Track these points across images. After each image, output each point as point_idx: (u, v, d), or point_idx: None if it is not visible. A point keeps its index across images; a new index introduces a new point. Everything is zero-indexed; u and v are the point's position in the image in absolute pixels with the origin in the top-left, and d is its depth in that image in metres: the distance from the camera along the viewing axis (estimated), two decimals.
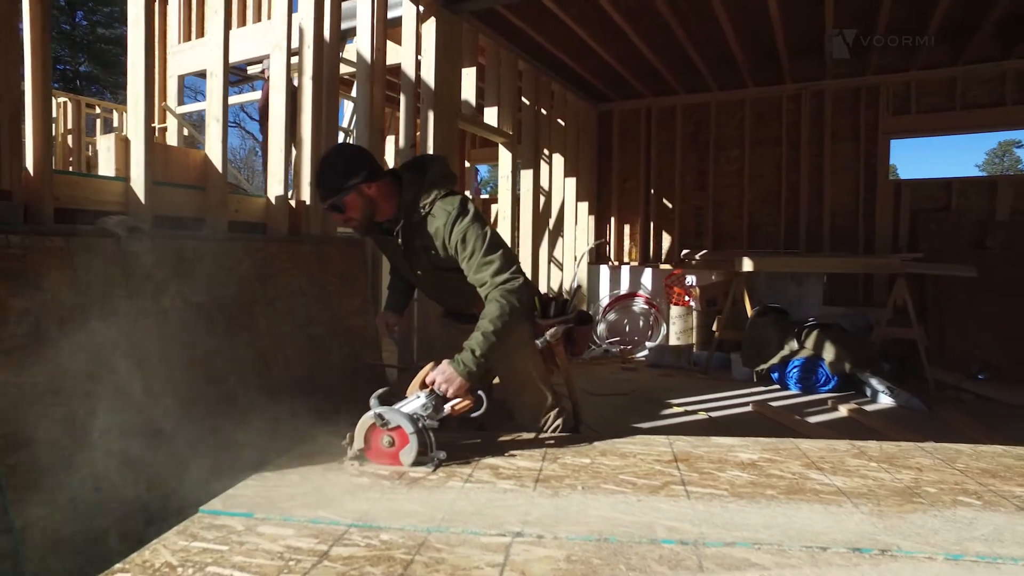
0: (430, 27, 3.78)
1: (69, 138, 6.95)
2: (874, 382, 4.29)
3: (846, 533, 1.19)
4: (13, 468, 1.42)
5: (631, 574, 1.04)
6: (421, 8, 3.72)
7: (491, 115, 5.01)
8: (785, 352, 4.64)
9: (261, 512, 1.27)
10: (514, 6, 4.32)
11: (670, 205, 6.88)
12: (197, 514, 1.27)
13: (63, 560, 1.46)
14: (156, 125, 5.33)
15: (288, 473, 1.52)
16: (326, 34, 3.04)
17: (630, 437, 1.86)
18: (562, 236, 6.56)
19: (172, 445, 1.81)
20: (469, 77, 4.64)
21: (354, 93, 4.41)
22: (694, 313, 5.89)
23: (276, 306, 2.45)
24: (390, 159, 5.89)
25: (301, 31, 2.99)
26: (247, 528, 1.20)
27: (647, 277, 6.57)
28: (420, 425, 1.60)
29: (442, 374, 1.69)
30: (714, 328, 5.34)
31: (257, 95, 6.27)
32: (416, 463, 1.57)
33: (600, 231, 7.14)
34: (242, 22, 5.23)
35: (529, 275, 2.50)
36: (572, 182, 6.49)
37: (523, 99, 5.55)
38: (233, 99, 5.63)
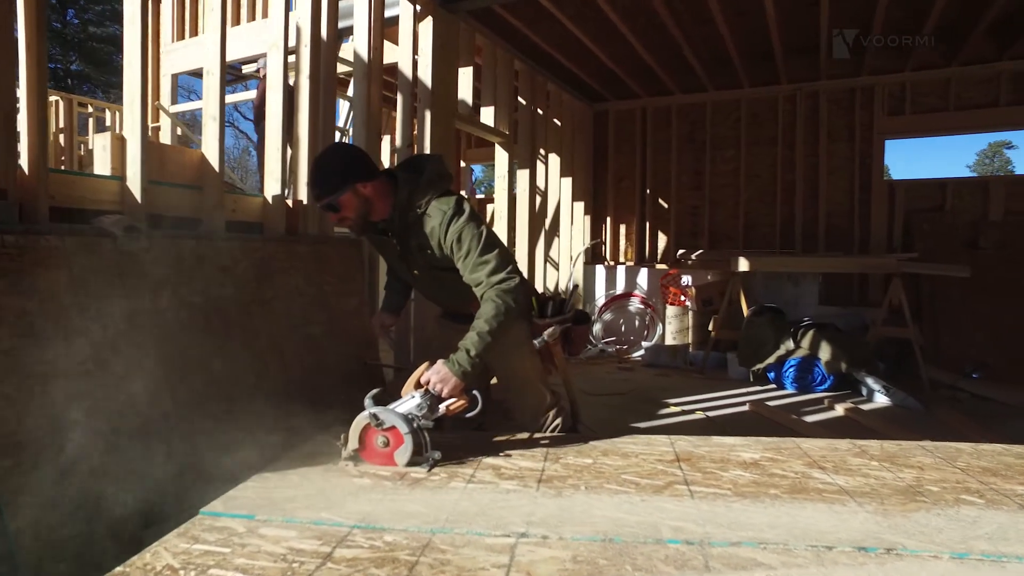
0: (427, 26, 3.77)
1: (61, 137, 6.89)
2: (870, 381, 4.30)
3: (851, 532, 1.19)
4: (8, 470, 1.40)
5: (637, 574, 1.03)
6: (418, 7, 3.71)
7: (488, 115, 5.00)
8: (781, 352, 4.65)
9: (262, 514, 1.25)
10: (511, 5, 4.32)
11: (666, 205, 6.89)
12: (198, 516, 1.26)
13: (60, 563, 1.44)
14: (149, 124, 5.29)
15: (288, 474, 1.50)
16: (323, 33, 3.03)
17: (631, 437, 1.86)
18: (558, 236, 6.56)
19: (169, 446, 1.79)
20: (466, 77, 4.63)
21: (350, 92, 4.40)
22: (690, 313, 5.90)
23: (273, 306, 2.43)
24: (386, 159, 5.88)
25: (298, 30, 2.98)
26: (249, 530, 1.19)
27: (643, 277, 6.57)
28: (415, 425, 1.59)
29: (437, 374, 1.68)
30: (711, 328, 5.35)
31: (251, 94, 6.25)
32: (411, 463, 1.56)
33: (596, 231, 7.14)
34: (236, 21, 5.21)
35: (525, 275, 2.49)
36: (568, 182, 6.49)
37: (519, 99, 5.54)
38: (227, 98, 5.61)
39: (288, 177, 2.98)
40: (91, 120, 7.53)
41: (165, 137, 5.48)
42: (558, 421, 2.12)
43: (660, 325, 6.31)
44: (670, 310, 6.07)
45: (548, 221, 6.34)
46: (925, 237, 5.61)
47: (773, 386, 4.67)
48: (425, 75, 3.76)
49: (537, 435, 1.95)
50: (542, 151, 6.09)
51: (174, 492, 1.70)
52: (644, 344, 6.17)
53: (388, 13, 3.62)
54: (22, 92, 1.85)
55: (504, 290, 1.78)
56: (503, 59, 5.03)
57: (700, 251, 6.28)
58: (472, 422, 1.88)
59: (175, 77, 5.78)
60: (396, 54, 3.84)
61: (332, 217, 1.97)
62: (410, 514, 1.26)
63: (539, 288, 5.98)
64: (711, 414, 3.88)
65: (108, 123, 7.50)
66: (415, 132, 3.84)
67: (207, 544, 1.13)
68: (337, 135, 3.87)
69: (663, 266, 6.64)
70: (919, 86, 5.78)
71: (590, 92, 6.58)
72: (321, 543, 1.13)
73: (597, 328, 6.50)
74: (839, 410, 3.95)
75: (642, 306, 6.51)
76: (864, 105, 5.97)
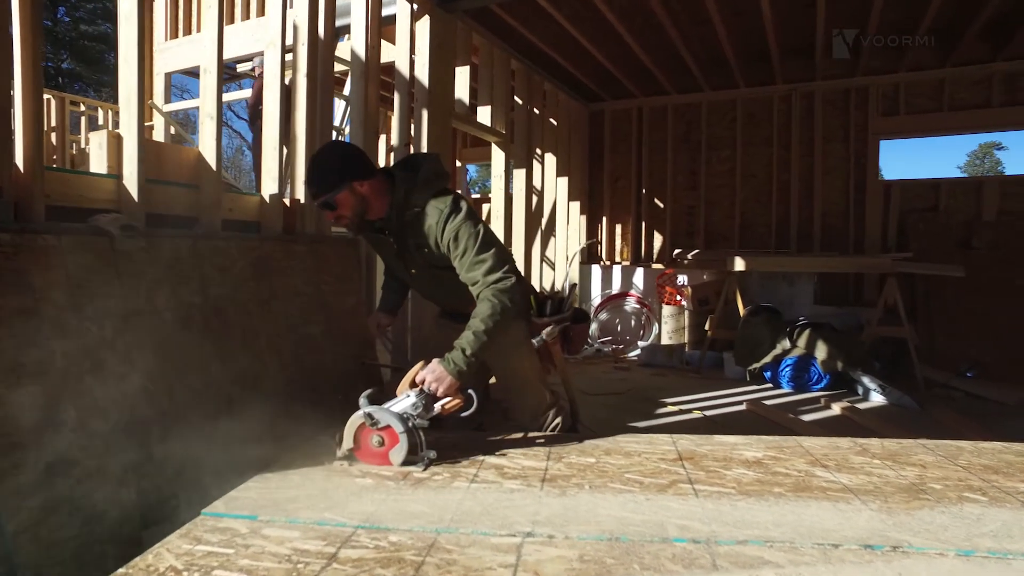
0: (424, 25, 3.76)
1: (53, 136, 6.83)
2: (866, 380, 4.32)
3: (856, 530, 1.19)
4: (4, 471, 1.38)
5: (645, 573, 1.03)
6: (415, 6, 3.70)
7: (484, 114, 4.99)
8: (777, 351, 4.67)
9: (265, 514, 1.24)
10: (508, 4, 4.31)
11: (662, 205, 6.90)
12: (199, 517, 1.24)
13: (59, 565, 1.42)
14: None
15: (290, 474, 1.49)
16: (321, 31, 3.01)
17: (633, 436, 1.86)
18: (554, 235, 6.56)
19: (168, 446, 1.77)
20: (463, 76, 4.62)
21: (347, 91, 4.38)
22: (686, 312, 5.91)
23: (271, 306, 2.42)
24: (383, 158, 5.86)
25: (296, 28, 2.96)
26: (251, 531, 1.18)
27: (639, 276, 6.58)
28: (410, 424, 1.57)
29: (432, 373, 1.67)
30: (707, 327, 5.36)
31: (245, 93, 6.22)
32: (406, 463, 1.55)
33: (592, 231, 7.14)
34: (230, 20, 5.18)
35: (522, 274, 2.49)
36: (564, 182, 6.49)
37: (516, 98, 5.54)
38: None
39: (285, 176, 2.96)
40: (83, 119, 7.47)
41: (158, 136, 5.45)
42: (558, 420, 2.11)
43: (656, 325, 6.32)
44: (666, 310, 6.08)
45: (544, 221, 6.34)
46: (920, 237, 5.64)
47: (769, 385, 4.68)
48: (422, 74, 3.75)
49: (537, 434, 1.94)
50: (538, 150, 6.09)
51: (172, 493, 1.69)
52: (640, 344, 6.18)
53: (385, 12, 3.61)
54: (17, 90, 1.83)
55: (500, 289, 1.77)
56: (500, 58, 5.03)
57: (696, 251, 6.29)
58: (472, 421, 1.87)
59: (168, 76, 5.75)
60: (393, 53, 3.83)
61: (329, 216, 1.96)
62: (414, 514, 1.25)
63: (535, 287, 5.97)
64: (709, 413, 3.89)
65: (101, 122, 7.45)
66: (412, 131, 3.83)
67: (210, 545, 1.11)
68: (334, 134, 3.85)
69: (659, 266, 6.65)
70: (913, 87, 5.81)
71: (586, 92, 6.58)
72: (325, 543, 1.12)
73: (593, 328, 6.50)
74: (836, 409, 3.97)
75: (638, 306, 6.52)
76: (859, 106, 5.99)
